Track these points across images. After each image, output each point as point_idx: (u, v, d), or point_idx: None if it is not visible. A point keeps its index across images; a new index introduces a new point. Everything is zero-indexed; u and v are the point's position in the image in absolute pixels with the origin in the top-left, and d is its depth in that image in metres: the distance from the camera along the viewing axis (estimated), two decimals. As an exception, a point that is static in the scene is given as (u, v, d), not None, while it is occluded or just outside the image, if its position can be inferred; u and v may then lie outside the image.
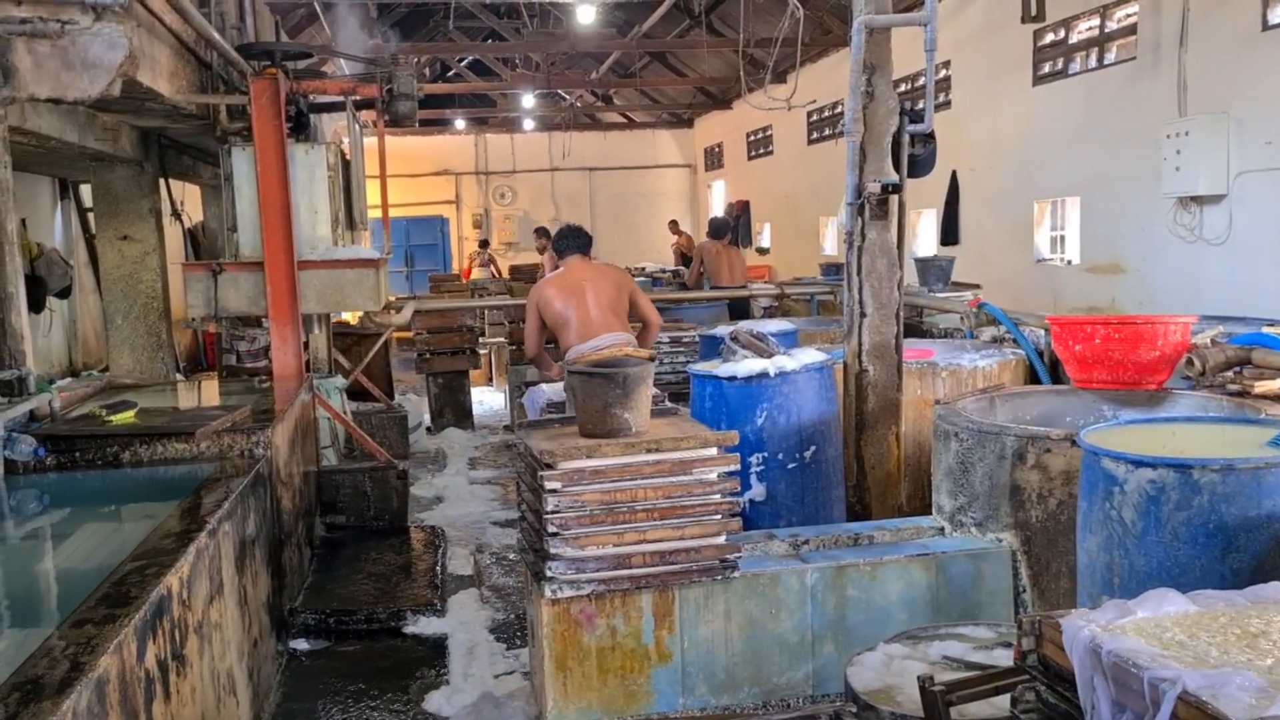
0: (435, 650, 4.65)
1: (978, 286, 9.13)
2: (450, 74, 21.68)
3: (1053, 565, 3.94)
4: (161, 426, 4.58)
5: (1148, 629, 2.23)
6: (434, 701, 4.11)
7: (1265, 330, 4.77)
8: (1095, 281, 9.87)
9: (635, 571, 3.71)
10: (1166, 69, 8.67)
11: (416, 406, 9.95)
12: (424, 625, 4.85)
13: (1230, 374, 4.46)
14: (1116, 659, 2.14)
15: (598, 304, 5.58)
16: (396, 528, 6.11)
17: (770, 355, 4.86)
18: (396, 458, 6.85)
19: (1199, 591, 2.32)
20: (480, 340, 11.42)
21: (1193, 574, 2.87)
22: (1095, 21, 9.98)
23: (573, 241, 5.91)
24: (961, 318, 7.06)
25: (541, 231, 15.63)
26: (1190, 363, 4.53)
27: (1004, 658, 2.88)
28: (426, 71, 20.78)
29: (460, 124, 23.17)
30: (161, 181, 8.14)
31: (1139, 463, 3.01)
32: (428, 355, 9.83)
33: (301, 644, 4.69)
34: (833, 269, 11.46)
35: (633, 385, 3.77)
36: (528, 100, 20.71)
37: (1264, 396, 4.22)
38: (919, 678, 2.67)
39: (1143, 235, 9.11)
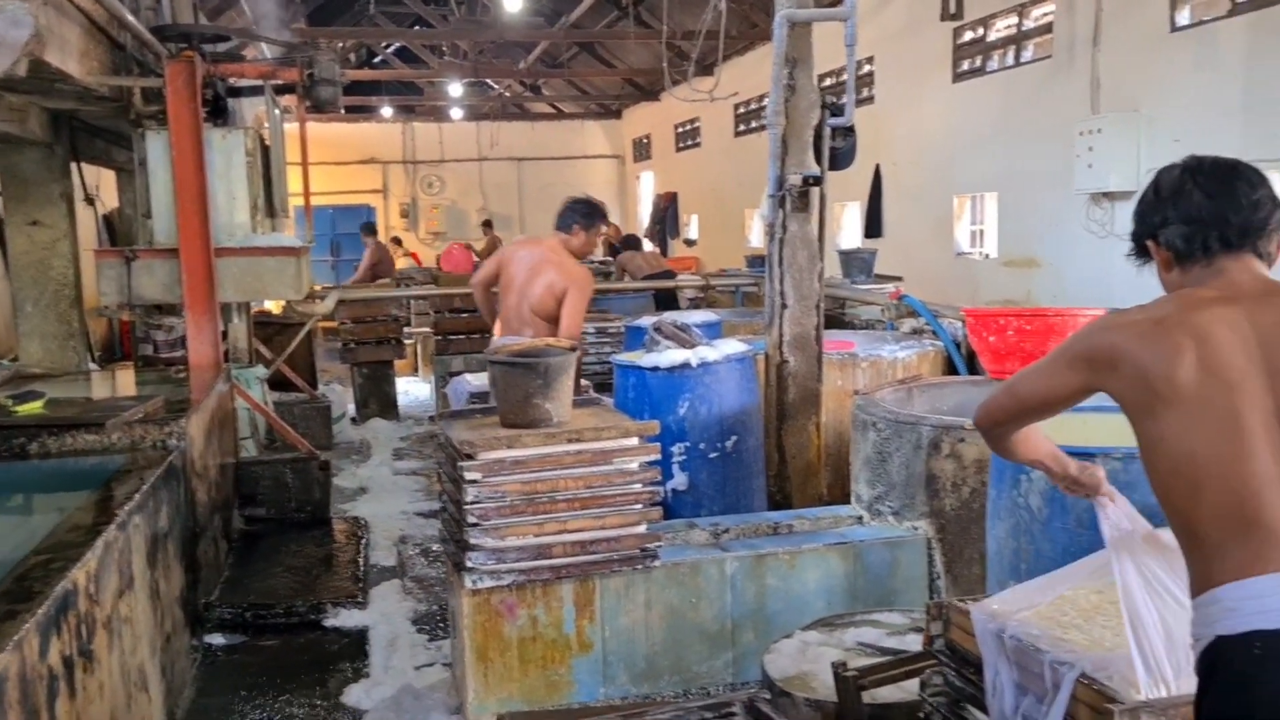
0: (356, 643, 4.60)
1: (899, 279, 9.27)
2: (376, 60, 21.39)
3: (966, 552, 4.03)
4: (71, 417, 4.47)
5: (1048, 614, 2.31)
6: (353, 695, 4.07)
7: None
8: (1012, 275, 10.10)
9: (556, 561, 3.71)
10: (1081, 67, 8.90)
11: (341, 397, 9.81)
12: (345, 618, 4.79)
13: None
14: (1019, 643, 2.20)
15: (524, 296, 5.25)
16: (318, 519, 6.02)
17: (693, 346, 4.89)
18: (319, 449, 6.74)
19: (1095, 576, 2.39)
20: (406, 330, 11.31)
21: (1096, 559, 2.95)
22: (1013, 20, 10.20)
23: (559, 216, 5.44)
24: (882, 309, 7.17)
25: (368, 228, 15.23)
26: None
27: (916, 643, 2.94)
28: (352, 57, 20.46)
29: (387, 112, 22.87)
30: (74, 165, 7.91)
31: (1046, 451, 3.09)
32: (352, 345, 9.71)
33: (218, 639, 4.61)
34: (758, 261, 11.50)
35: (554, 375, 3.77)
36: (455, 89, 20.51)
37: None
38: (833, 664, 2.73)
39: (1057, 230, 9.34)
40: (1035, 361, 2.13)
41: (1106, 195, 8.54)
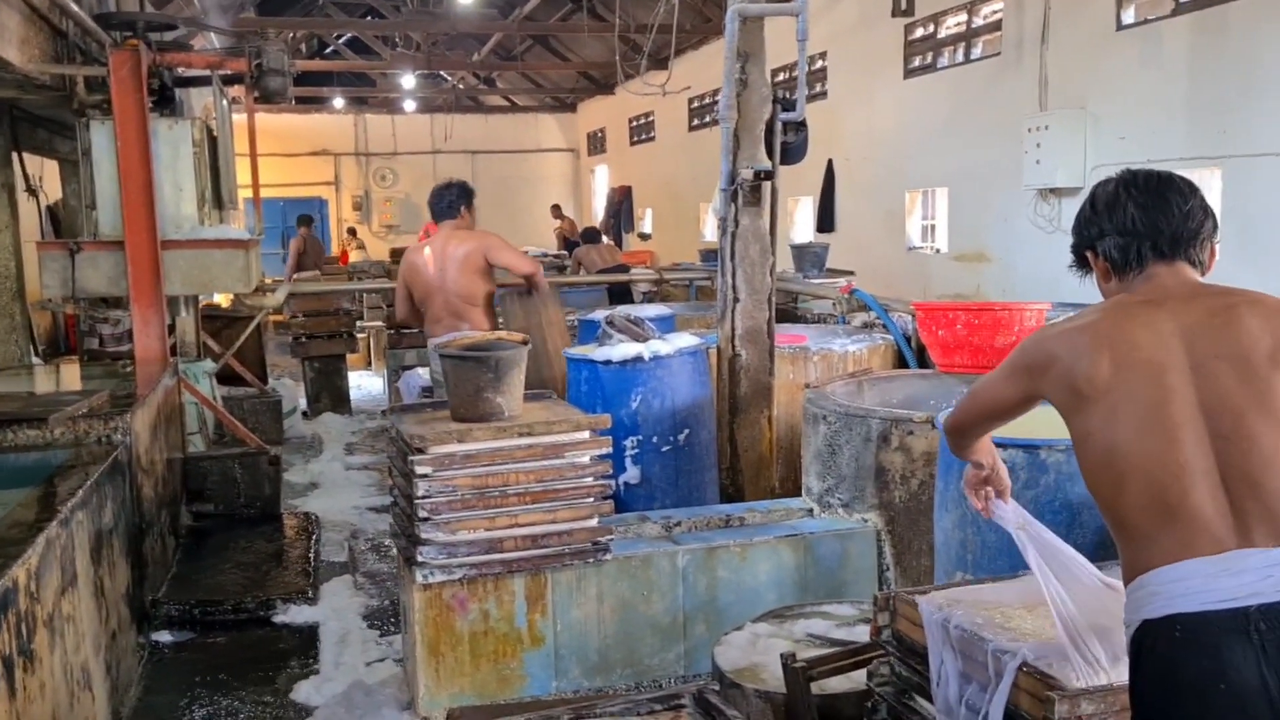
0: (306, 639, 4.56)
1: (851, 273, 9.35)
2: (328, 51, 21.15)
3: (914, 543, 4.07)
4: (13, 412, 4.38)
5: (992, 604, 2.34)
6: (303, 691, 4.03)
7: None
8: (962, 269, 10.21)
9: (507, 555, 3.71)
10: (1029, 65, 9.01)
11: (292, 391, 9.71)
12: (295, 614, 4.75)
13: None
14: (963, 633, 2.24)
15: (446, 290, 5.35)
16: (268, 515, 5.96)
17: (645, 339, 4.89)
18: (270, 443, 6.67)
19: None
20: (358, 323, 11.20)
21: (1040, 549, 3.00)
22: (963, 17, 10.31)
23: (434, 207, 5.60)
24: (834, 303, 7.23)
25: (302, 219, 15.19)
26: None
27: (865, 634, 2.97)
28: (303, 48, 20.21)
29: (339, 103, 22.63)
30: (15, 155, 7.76)
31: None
32: (303, 339, 9.60)
33: (165, 636, 4.55)
34: (712, 255, 11.55)
35: (505, 369, 3.76)
36: (408, 81, 20.35)
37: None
38: (782, 655, 2.75)
39: (1005, 225, 9.46)
40: (992, 371, 2.24)
41: (1054, 191, 8.66)
